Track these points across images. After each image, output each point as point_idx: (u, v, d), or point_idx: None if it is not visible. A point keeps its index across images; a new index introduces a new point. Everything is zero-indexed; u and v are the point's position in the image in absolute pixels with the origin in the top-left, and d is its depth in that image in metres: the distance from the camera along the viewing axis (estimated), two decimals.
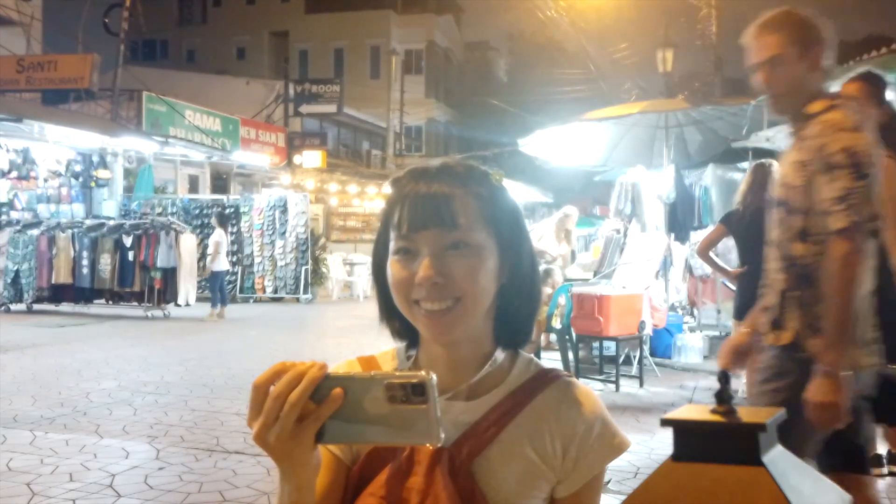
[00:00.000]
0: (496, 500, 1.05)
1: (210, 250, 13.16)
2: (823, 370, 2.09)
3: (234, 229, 16.01)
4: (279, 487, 0.93)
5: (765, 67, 2.30)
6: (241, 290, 16.06)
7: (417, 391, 0.83)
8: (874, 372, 2.26)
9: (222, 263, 13.16)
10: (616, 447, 1.10)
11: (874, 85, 3.14)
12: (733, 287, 6.09)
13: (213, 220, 13.93)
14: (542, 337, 8.24)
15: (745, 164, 8.82)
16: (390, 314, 1.13)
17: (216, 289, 12.94)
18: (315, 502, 0.95)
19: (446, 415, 1.03)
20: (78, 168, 15.75)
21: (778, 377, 2.26)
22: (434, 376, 0.83)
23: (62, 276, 13.32)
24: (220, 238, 13.05)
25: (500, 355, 1.12)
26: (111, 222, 13.80)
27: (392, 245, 1.07)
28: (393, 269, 1.06)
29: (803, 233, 2.23)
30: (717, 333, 9.07)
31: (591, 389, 1.15)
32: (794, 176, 2.25)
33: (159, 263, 12.87)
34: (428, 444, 0.88)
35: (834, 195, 2.10)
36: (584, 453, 1.08)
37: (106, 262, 13.15)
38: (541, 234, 9.57)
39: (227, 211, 15.92)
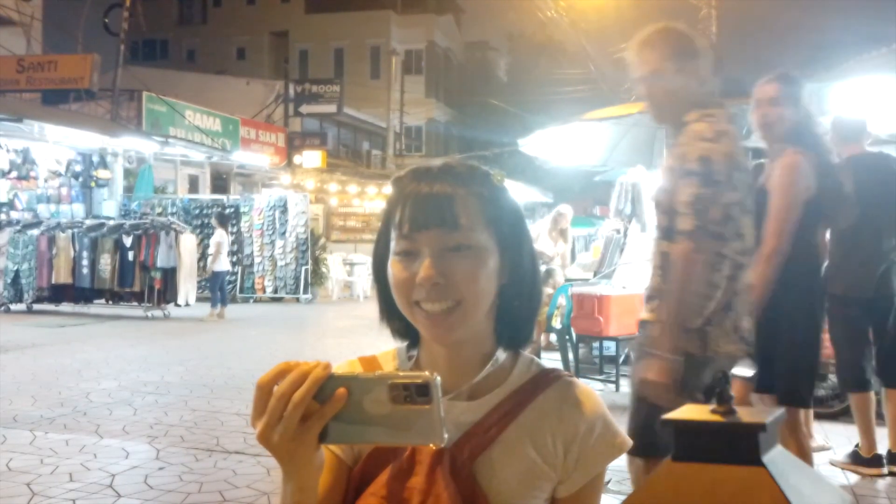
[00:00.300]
0: (497, 501, 1.05)
1: (211, 250, 13.16)
2: (655, 353, 2.32)
3: (234, 229, 16.01)
4: (282, 488, 0.93)
5: (645, 81, 2.51)
6: (241, 290, 16.07)
7: (421, 391, 0.83)
8: (739, 358, 2.46)
9: (223, 264, 13.17)
10: (617, 447, 1.11)
11: (790, 85, 3.24)
12: None
13: (213, 221, 13.93)
14: (542, 337, 8.25)
15: None
16: (391, 314, 1.13)
17: (216, 289, 12.94)
18: (317, 503, 0.95)
19: (448, 415, 1.03)
20: (78, 168, 15.74)
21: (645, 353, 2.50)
22: (438, 377, 0.84)
23: (62, 276, 13.31)
24: (221, 238, 13.06)
25: (501, 355, 1.12)
26: (111, 222, 13.79)
27: (393, 245, 1.07)
28: (394, 269, 1.06)
29: (670, 231, 2.41)
30: None
31: (592, 389, 1.14)
32: (665, 180, 2.46)
33: (159, 263, 12.87)
34: (431, 445, 0.88)
35: (684, 199, 2.32)
36: (585, 453, 1.08)
37: (106, 262, 13.14)
38: (536, 235, 9.57)
39: (227, 211, 15.90)
